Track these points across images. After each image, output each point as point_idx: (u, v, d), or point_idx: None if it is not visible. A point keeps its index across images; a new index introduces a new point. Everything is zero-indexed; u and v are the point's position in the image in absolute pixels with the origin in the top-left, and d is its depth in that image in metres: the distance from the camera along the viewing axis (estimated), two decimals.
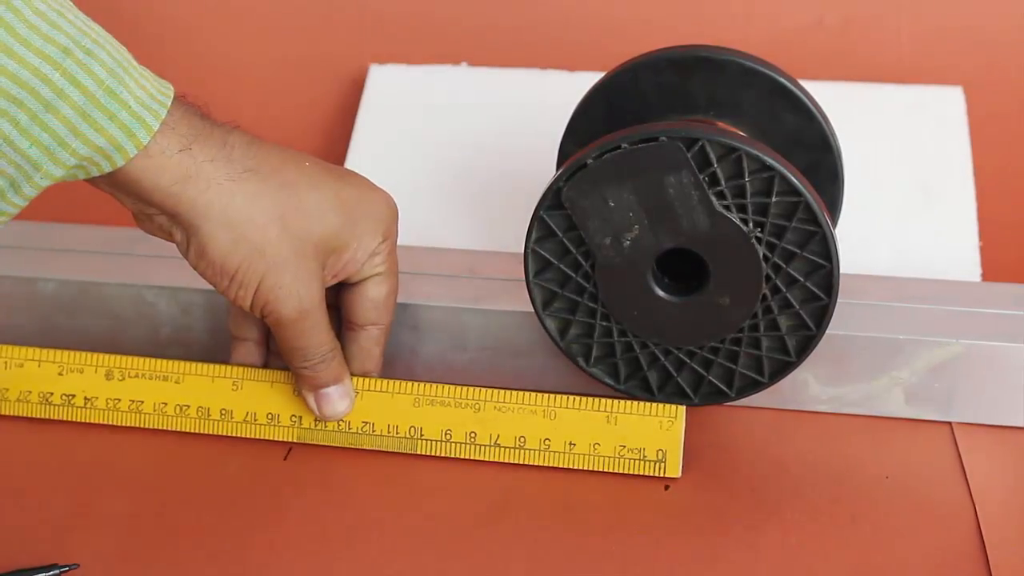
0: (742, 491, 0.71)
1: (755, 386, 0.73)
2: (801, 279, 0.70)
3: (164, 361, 0.76)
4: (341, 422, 0.74)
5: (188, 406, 0.75)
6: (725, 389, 0.74)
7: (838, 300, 0.71)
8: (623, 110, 0.77)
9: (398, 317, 0.77)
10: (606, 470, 0.72)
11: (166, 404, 0.75)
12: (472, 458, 0.73)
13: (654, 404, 0.72)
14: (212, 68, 1.07)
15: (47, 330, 0.83)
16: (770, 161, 0.68)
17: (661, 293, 0.72)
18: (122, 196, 0.67)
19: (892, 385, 0.76)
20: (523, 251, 0.72)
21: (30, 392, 0.76)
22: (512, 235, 0.72)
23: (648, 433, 0.72)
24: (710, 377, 0.74)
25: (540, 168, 0.82)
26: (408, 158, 0.97)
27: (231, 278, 0.68)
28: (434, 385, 0.74)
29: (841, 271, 0.70)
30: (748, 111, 0.76)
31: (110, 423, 0.76)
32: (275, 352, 0.76)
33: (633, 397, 0.74)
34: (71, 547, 0.68)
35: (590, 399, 0.72)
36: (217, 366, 0.75)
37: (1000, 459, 0.73)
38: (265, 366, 0.76)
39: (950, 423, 0.76)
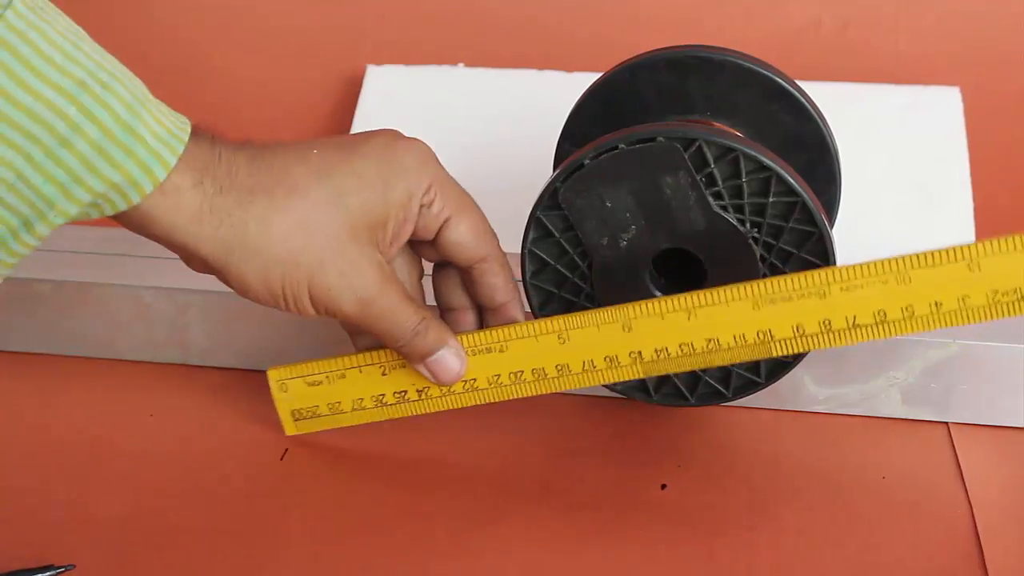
0: (739, 490, 0.71)
1: (752, 387, 0.73)
2: None
3: (480, 333, 0.72)
4: (683, 345, 0.68)
5: (521, 371, 0.72)
6: (722, 390, 0.74)
7: None
8: (620, 111, 0.77)
9: None
10: (984, 319, 0.65)
11: (499, 375, 0.72)
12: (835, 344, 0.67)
13: (1019, 236, 0.64)
14: (208, 70, 1.07)
15: (44, 330, 0.83)
16: (767, 162, 0.68)
17: (658, 293, 0.72)
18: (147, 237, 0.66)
19: (889, 385, 0.76)
20: (520, 252, 0.72)
21: (362, 399, 0.74)
22: (510, 236, 0.72)
23: (1020, 269, 0.64)
24: (707, 378, 0.73)
25: (537, 169, 0.82)
26: None
27: (282, 299, 0.67)
28: (770, 281, 0.67)
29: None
30: (745, 112, 0.76)
31: (449, 407, 0.73)
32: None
33: (630, 398, 0.74)
34: (67, 547, 0.68)
35: (942, 251, 0.65)
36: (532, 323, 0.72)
37: (997, 460, 0.73)
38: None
39: (947, 423, 0.76)
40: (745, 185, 0.68)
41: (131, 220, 0.64)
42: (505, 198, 0.80)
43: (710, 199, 0.69)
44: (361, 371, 0.73)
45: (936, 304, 0.65)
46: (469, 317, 0.73)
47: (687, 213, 0.69)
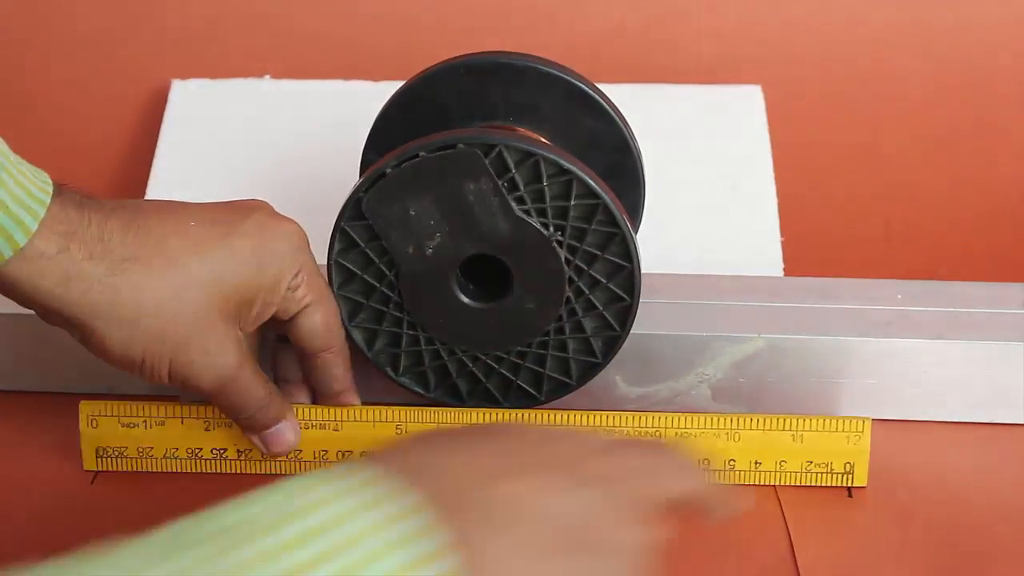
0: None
1: (564, 388, 0.74)
2: (603, 281, 0.71)
3: (317, 408, 0.74)
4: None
5: (351, 451, 0.74)
6: (534, 393, 0.74)
7: (642, 300, 0.72)
8: (423, 118, 0.77)
9: None
10: (793, 484, 0.73)
11: (326, 451, 0.74)
12: None
13: (839, 419, 0.72)
14: (3, 89, 1.04)
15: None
16: (567, 165, 0.68)
17: (466, 300, 0.72)
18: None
19: (699, 382, 0.77)
20: (326, 263, 0.72)
21: (176, 449, 0.74)
22: (318, 248, 0.72)
23: (835, 448, 0.72)
24: (519, 382, 0.74)
25: (345, 179, 0.81)
26: (213, 174, 0.95)
27: (139, 367, 0.66)
28: (615, 414, 0.74)
29: (644, 271, 0.71)
30: (548, 116, 0.77)
31: (268, 472, 0.74)
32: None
33: (443, 404, 0.74)
34: None
35: (773, 418, 0.73)
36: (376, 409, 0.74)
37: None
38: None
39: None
40: (547, 189, 0.69)
41: None
42: (314, 210, 0.79)
43: (513, 204, 0.69)
44: (183, 422, 0.74)
45: (756, 463, 0.73)
46: (304, 391, 0.75)
47: (491, 219, 0.69)
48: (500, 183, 0.68)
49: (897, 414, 0.78)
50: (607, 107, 0.77)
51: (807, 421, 0.72)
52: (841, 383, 0.77)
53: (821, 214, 0.98)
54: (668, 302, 0.79)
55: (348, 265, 0.72)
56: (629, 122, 0.78)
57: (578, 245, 0.70)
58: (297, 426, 0.72)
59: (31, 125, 1.02)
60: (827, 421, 0.72)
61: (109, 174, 1.03)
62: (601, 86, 0.78)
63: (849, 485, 0.72)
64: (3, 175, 0.60)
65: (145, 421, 0.74)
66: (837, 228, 0.98)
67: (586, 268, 0.70)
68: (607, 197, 0.69)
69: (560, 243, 0.70)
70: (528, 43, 0.83)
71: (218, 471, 0.74)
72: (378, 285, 0.72)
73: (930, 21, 1.09)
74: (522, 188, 0.69)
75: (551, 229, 0.69)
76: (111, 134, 1.05)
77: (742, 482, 0.73)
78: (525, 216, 0.69)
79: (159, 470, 0.74)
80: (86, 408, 0.74)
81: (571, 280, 0.71)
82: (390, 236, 0.70)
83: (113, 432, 0.74)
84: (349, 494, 0.47)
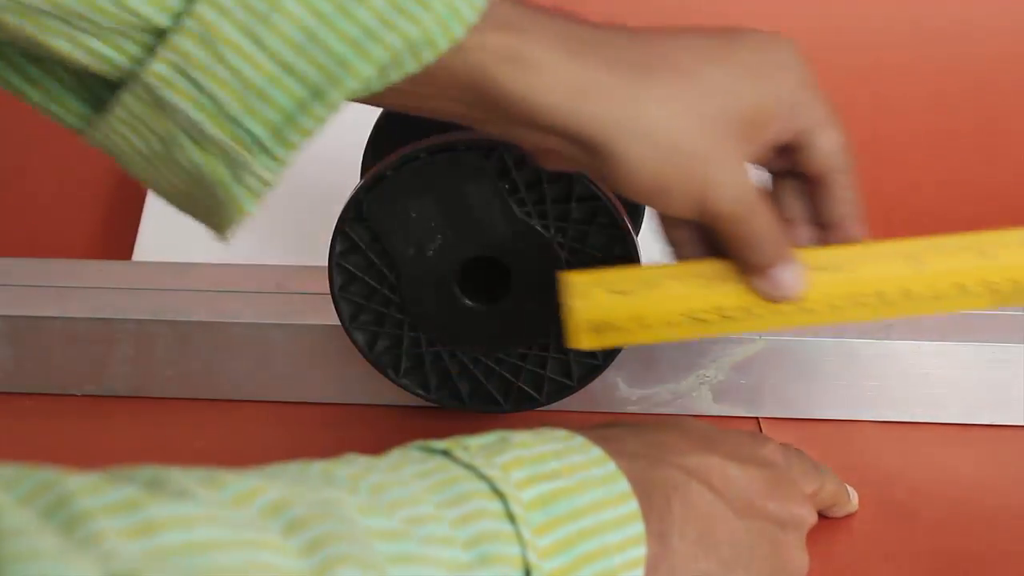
0: None
1: (565, 390, 0.74)
2: None
3: (820, 250, 0.64)
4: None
5: (862, 293, 0.64)
6: (535, 395, 0.74)
7: None
8: (423, 121, 0.77)
9: (205, 336, 0.77)
10: None
11: (833, 296, 0.64)
12: None
13: None
14: None
15: None
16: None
17: (467, 302, 0.72)
18: (501, 124, 0.58)
19: (699, 384, 0.77)
20: (327, 265, 0.72)
21: (674, 313, 0.65)
22: (318, 249, 0.72)
23: None
24: (520, 384, 0.74)
25: (345, 181, 0.81)
26: None
27: (663, 192, 0.59)
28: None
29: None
30: None
31: (773, 327, 0.65)
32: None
33: (444, 407, 0.74)
34: None
35: None
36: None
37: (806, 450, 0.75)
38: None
39: (757, 418, 0.77)
40: (547, 190, 0.69)
41: (487, 100, 0.57)
42: (314, 211, 0.80)
43: (514, 206, 0.69)
44: (679, 281, 0.65)
45: None
46: (804, 231, 0.66)
47: (492, 221, 0.69)
48: (501, 185, 0.68)
49: (897, 416, 0.78)
50: None
51: None
52: (841, 385, 0.77)
53: None
54: None
55: (349, 267, 0.72)
56: None
57: (579, 247, 0.70)
58: (801, 267, 0.63)
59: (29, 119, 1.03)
60: None
61: (106, 174, 1.04)
62: None
63: None
64: None
65: (637, 285, 0.65)
66: None
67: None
68: (606, 198, 0.69)
69: (561, 245, 0.70)
70: None
71: (720, 332, 0.66)
72: (379, 287, 0.72)
73: (927, 20, 1.09)
74: (523, 190, 0.69)
75: (552, 231, 0.70)
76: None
77: None
78: (526, 218, 0.69)
79: (651, 342, 0.66)
80: (575, 278, 0.65)
81: None
82: (391, 238, 0.70)
83: (601, 303, 0.65)
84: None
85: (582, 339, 0.65)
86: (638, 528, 0.53)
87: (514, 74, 0.56)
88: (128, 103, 0.55)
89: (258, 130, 0.55)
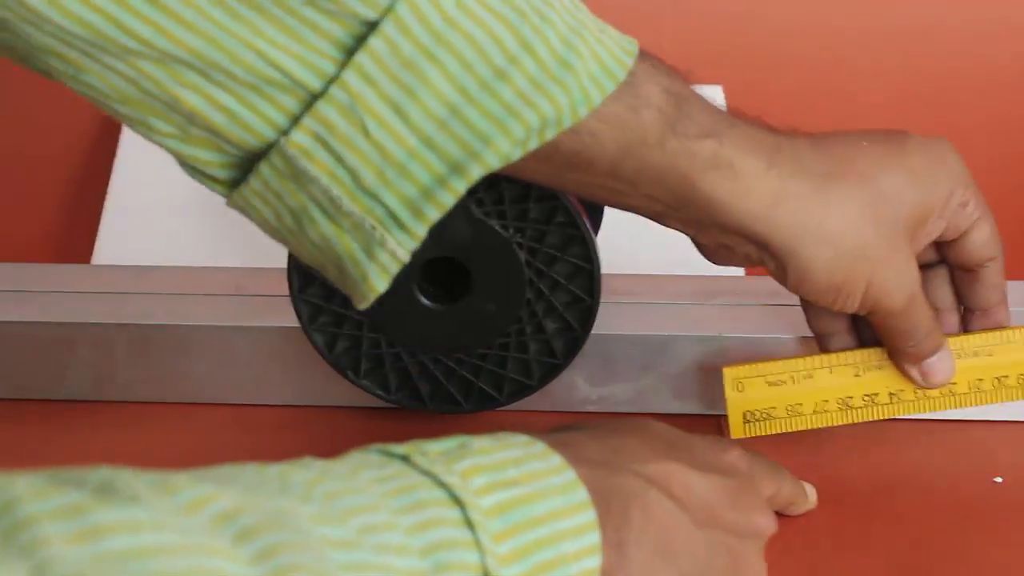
0: None
1: (525, 390, 0.74)
2: (563, 282, 0.71)
3: (967, 336, 0.71)
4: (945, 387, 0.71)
5: (1006, 376, 0.71)
6: (495, 394, 0.74)
7: (603, 301, 0.72)
8: None
9: (165, 339, 0.76)
10: None
11: (981, 380, 0.71)
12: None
13: None
14: None
15: None
16: None
17: (427, 302, 0.72)
18: (699, 230, 0.64)
19: (659, 382, 0.77)
20: (286, 267, 0.72)
21: (827, 401, 0.71)
22: (277, 251, 0.71)
23: None
24: (480, 384, 0.74)
25: None
26: (171, 176, 0.95)
27: (837, 292, 0.65)
28: None
29: (604, 272, 0.71)
30: None
31: (921, 411, 0.72)
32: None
33: (404, 407, 0.74)
34: None
35: None
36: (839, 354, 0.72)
37: (763, 448, 0.75)
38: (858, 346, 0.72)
39: (717, 415, 0.77)
40: (505, 190, 0.69)
41: (683, 203, 0.62)
42: None
43: (472, 206, 0.69)
44: (831, 371, 0.71)
45: None
46: (952, 319, 0.71)
47: (450, 221, 0.69)
48: None
49: None
50: None
51: None
52: None
53: None
54: (629, 303, 0.79)
55: (309, 268, 0.71)
56: None
57: (538, 247, 0.70)
58: (952, 355, 0.70)
59: None
60: None
61: (72, 163, 1.03)
62: None
63: None
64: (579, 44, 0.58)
65: (792, 376, 0.71)
66: None
67: (546, 269, 0.71)
68: (565, 198, 0.69)
69: (520, 245, 0.70)
70: None
71: (869, 418, 0.72)
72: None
73: (892, 20, 1.10)
74: (481, 190, 0.69)
75: (510, 231, 0.70)
76: (71, 136, 1.04)
77: None
78: (484, 218, 0.69)
79: (805, 428, 0.72)
80: (731, 372, 0.72)
81: (531, 282, 0.71)
82: None
83: (759, 394, 0.72)
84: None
85: (737, 430, 0.72)
86: (594, 538, 0.53)
87: (719, 180, 0.61)
88: (265, 174, 0.56)
89: (395, 205, 0.57)
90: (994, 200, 0.69)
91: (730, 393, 0.72)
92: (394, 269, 0.59)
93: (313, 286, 0.72)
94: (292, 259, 0.71)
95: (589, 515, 0.53)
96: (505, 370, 0.73)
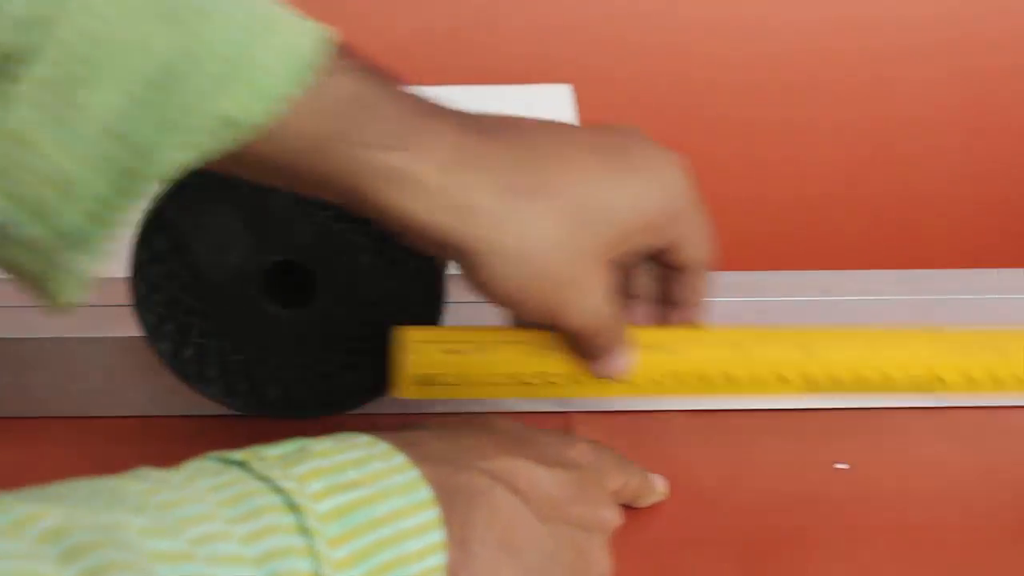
0: None
1: (374, 392, 0.74)
2: (409, 281, 0.71)
3: (653, 330, 0.69)
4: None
5: (685, 373, 0.70)
6: (344, 398, 0.74)
7: (453, 300, 0.72)
8: None
9: (5, 353, 0.75)
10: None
11: (660, 375, 0.69)
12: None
13: None
14: None
15: None
16: None
17: (273, 307, 0.71)
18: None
19: None
20: (130, 276, 0.71)
21: (499, 375, 0.69)
22: (119, 261, 0.71)
23: None
24: (328, 388, 0.73)
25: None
26: None
27: (518, 305, 0.63)
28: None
29: (452, 273, 0.71)
30: None
31: (592, 395, 0.70)
32: None
33: (251, 414, 0.74)
34: None
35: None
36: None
37: (611, 442, 0.76)
38: None
39: (566, 413, 0.78)
40: None
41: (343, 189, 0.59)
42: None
43: (315, 209, 0.69)
44: (512, 347, 0.69)
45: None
46: (646, 308, 0.70)
47: (294, 225, 0.69)
48: None
49: (704, 405, 0.79)
50: None
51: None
52: None
53: None
54: (478, 303, 0.79)
55: (151, 277, 0.71)
56: None
57: (381, 247, 0.70)
58: (632, 351, 0.68)
59: None
60: None
61: None
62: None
63: None
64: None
65: (471, 346, 0.69)
66: None
67: (391, 270, 0.70)
68: None
69: (364, 247, 0.70)
70: None
71: (539, 397, 0.71)
72: (182, 295, 0.71)
73: (736, 17, 1.11)
74: None
75: (354, 233, 0.69)
76: None
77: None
78: (328, 221, 0.69)
79: (473, 398, 0.70)
80: (412, 334, 0.69)
81: (376, 283, 0.71)
82: (192, 246, 0.69)
83: (433, 360, 0.69)
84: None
85: (409, 390, 0.69)
86: (438, 536, 0.53)
87: (399, 192, 0.59)
88: None
89: (68, 224, 0.55)
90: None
91: (403, 356, 0.69)
92: (81, 287, 0.57)
93: (157, 293, 0.71)
94: (135, 268, 0.70)
95: (432, 513, 0.54)
96: (354, 373, 0.73)
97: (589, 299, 0.64)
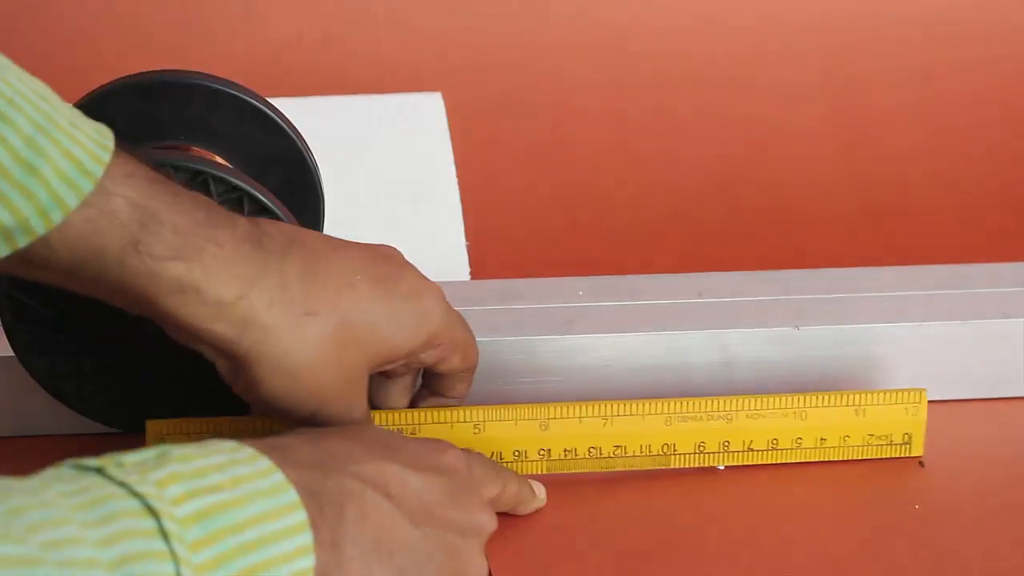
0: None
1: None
2: None
3: (400, 413, 0.73)
4: (592, 448, 0.73)
5: None
6: (224, 408, 0.73)
7: None
8: None
9: None
10: (856, 458, 0.75)
11: None
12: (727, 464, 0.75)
13: (897, 392, 0.75)
14: None
15: None
16: (236, 181, 0.68)
17: (144, 321, 0.71)
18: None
19: None
20: None
21: None
22: None
23: (894, 419, 0.75)
24: (208, 400, 0.73)
25: None
26: None
27: (280, 413, 0.66)
28: (685, 400, 0.74)
29: None
30: (221, 133, 0.76)
31: None
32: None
33: (129, 430, 0.73)
34: None
35: (837, 394, 0.75)
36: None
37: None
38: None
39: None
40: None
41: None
42: None
43: None
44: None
45: (821, 440, 0.75)
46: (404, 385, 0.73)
47: None
48: None
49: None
50: (279, 121, 0.77)
51: (868, 396, 0.75)
52: (526, 382, 0.78)
53: (505, 216, 1.00)
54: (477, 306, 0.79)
55: (20, 296, 0.70)
56: (309, 135, 0.79)
57: None
58: None
59: None
60: (887, 395, 0.75)
61: None
62: (279, 99, 0.78)
63: (908, 455, 0.76)
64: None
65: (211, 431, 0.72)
66: (521, 229, 1.00)
67: None
68: (279, 210, 0.69)
69: None
70: (206, 57, 0.83)
71: None
72: (51, 314, 0.70)
73: (606, 21, 1.12)
74: None
75: None
76: None
77: (810, 459, 0.75)
78: None
79: None
80: (154, 427, 0.71)
81: None
82: None
83: None
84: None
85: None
86: (305, 539, 0.53)
87: (183, 303, 0.61)
88: None
89: None
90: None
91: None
92: None
93: (28, 312, 0.70)
94: (3, 288, 0.69)
95: (299, 516, 0.53)
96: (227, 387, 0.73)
97: (353, 414, 0.67)
